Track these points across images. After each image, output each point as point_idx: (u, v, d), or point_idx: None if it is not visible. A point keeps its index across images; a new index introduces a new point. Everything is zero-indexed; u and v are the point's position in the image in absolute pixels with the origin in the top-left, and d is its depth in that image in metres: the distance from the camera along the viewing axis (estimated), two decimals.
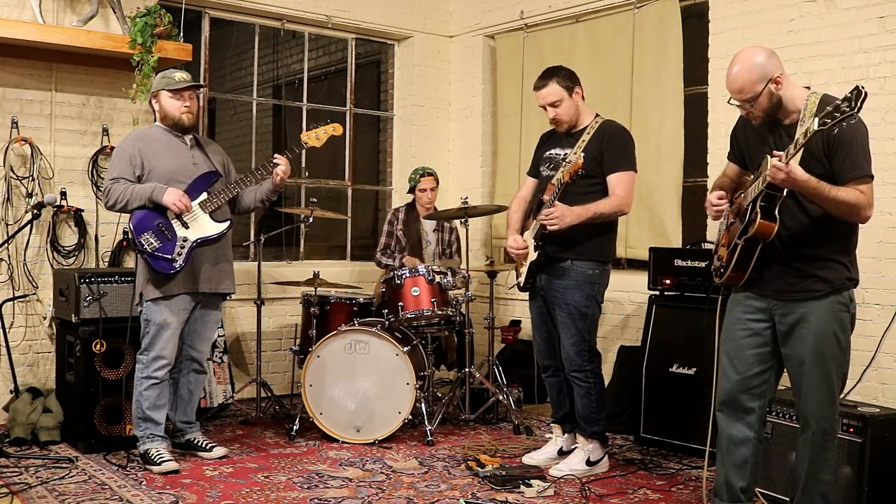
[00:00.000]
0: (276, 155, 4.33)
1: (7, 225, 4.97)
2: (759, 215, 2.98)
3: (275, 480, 4.03)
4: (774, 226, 3.00)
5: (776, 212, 2.99)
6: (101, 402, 4.48)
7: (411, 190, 5.79)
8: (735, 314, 3.25)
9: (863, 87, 2.66)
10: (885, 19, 4.41)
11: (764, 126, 3.15)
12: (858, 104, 2.65)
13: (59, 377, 4.80)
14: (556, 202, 4.04)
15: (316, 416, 4.75)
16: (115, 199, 4.15)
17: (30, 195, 5.05)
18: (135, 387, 4.24)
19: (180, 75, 4.29)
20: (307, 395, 4.76)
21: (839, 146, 2.96)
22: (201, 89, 4.68)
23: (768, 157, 2.92)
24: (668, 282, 4.78)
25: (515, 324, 6.23)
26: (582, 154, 3.99)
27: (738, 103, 3.09)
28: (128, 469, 4.15)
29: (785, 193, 2.99)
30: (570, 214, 4.02)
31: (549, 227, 4.04)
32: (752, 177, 3.16)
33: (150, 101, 4.38)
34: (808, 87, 3.11)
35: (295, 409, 5.20)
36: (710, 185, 5.20)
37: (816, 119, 2.73)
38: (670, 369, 4.68)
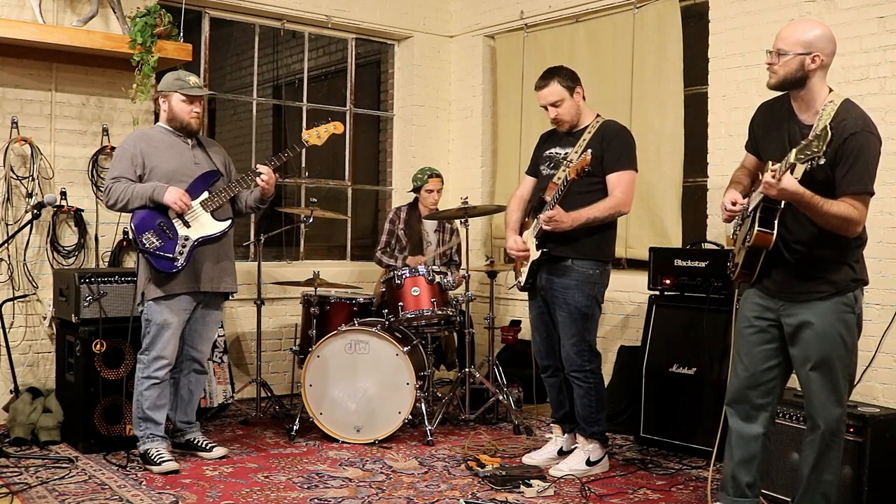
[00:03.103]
0: (258, 165, 4.32)
1: (7, 225, 4.97)
2: (756, 226, 3.03)
3: (275, 480, 4.03)
4: (771, 237, 3.04)
5: (775, 222, 3.03)
6: (101, 402, 4.48)
7: (416, 190, 5.76)
8: (745, 312, 3.30)
9: (829, 130, 2.77)
10: (885, 19, 4.42)
11: (783, 119, 3.16)
12: (823, 147, 2.77)
13: (59, 377, 4.80)
14: (558, 205, 4.04)
15: (316, 416, 4.75)
16: (115, 198, 4.15)
17: (30, 195, 5.05)
18: (135, 387, 4.24)
19: (195, 80, 4.30)
20: (307, 395, 4.76)
21: (844, 157, 2.97)
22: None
23: (769, 162, 2.97)
24: (668, 282, 4.78)
25: (515, 324, 6.23)
26: (590, 151, 3.99)
27: (773, 49, 3.09)
28: (128, 469, 4.15)
29: (783, 205, 3.04)
30: (566, 220, 4.03)
31: (543, 228, 4.06)
32: (761, 176, 3.18)
33: (155, 99, 4.36)
34: (832, 90, 3.12)
35: (295, 409, 5.20)
36: (709, 185, 5.22)
37: (794, 152, 2.86)
38: (670, 369, 4.68)
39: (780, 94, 3.23)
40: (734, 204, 3.21)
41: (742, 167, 3.42)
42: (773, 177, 2.90)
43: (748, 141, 3.42)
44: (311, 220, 5.10)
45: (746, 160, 3.42)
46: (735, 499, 3.29)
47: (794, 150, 2.87)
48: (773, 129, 3.21)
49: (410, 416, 4.69)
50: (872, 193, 3.00)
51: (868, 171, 2.99)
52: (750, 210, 3.13)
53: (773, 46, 3.10)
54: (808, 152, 2.82)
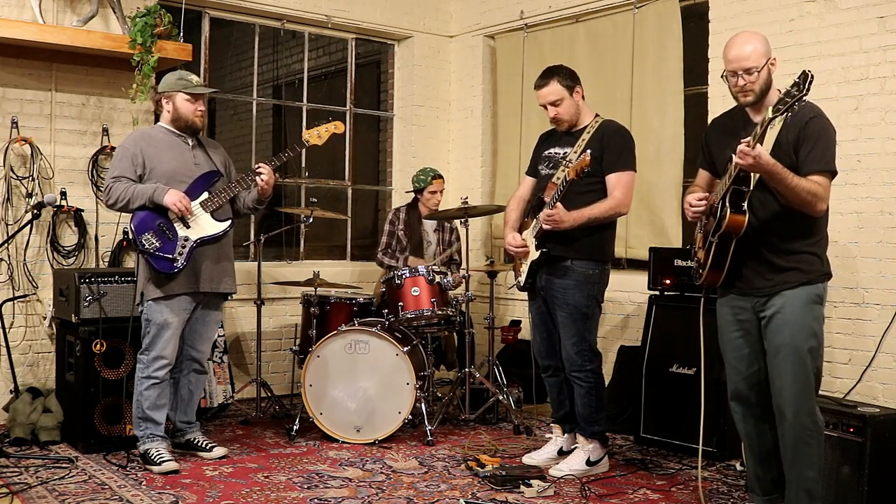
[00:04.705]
0: (259, 164, 4.32)
1: (7, 225, 4.97)
2: (728, 210, 3.05)
3: (275, 480, 4.03)
4: (744, 219, 3.07)
5: (745, 206, 3.06)
6: (101, 402, 4.48)
7: (418, 191, 5.72)
8: (726, 317, 3.32)
9: (810, 71, 2.79)
10: (885, 19, 4.41)
11: (738, 128, 3.21)
12: (806, 87, 2.78)
13: (59, 377, 4.80)
14: (558, 203, 4.04)
15: (316, 416, 4.75)
16: (115, 197, 4.15)
17: (30, 195, 5.05)
18: (135, 387, 4.24)
19: (197, 79, 4.32)
20: (307, 395, 4.76)
21: (807, 139, 3.05)
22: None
23: (734, 155, 3.00)
24: (668, 282, 4.78)
25: (515, 324, 6.23)
26: (589, 151, 3.99)
27: (741, 71, 3.11)
28: (128, 469, 4.15)
29: (752, 188, 3.07)
30: (567, 219, 4.03)
31: (544, 227, 4.06)
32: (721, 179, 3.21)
33: (158, 100, 4.35)
34: (780, 91, 3.15)
35: (295, 409, 5.20)
36: None
37: (770, 108, 2.88)
38: (670, 369, 4.68)
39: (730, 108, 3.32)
40: (700, 200, 3.24)
41: (695, 185, 3.46)
42: (748, 145, 2.92)
43: (701, 158, 3.46)
44: (311, 220, 5.10)
45: (699, 178, 3.47)
46: (764, 497, 3.32)
47: (769, 108, 2.89)
48: (729, 141, 3.21)
49: (410, 416, 4.69)
50: (835, 173, 3.09)
51: (830, 151, 3.08)
52: (718, 200, 3.15)
53: (737, 69, 3.12)
54: (789, 98, 2.81)
